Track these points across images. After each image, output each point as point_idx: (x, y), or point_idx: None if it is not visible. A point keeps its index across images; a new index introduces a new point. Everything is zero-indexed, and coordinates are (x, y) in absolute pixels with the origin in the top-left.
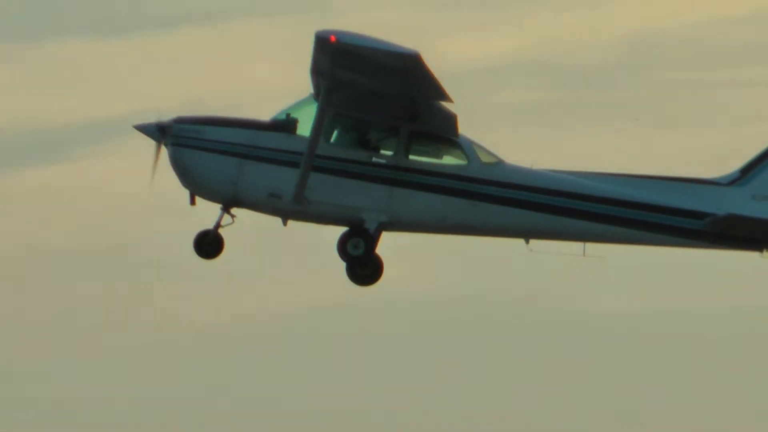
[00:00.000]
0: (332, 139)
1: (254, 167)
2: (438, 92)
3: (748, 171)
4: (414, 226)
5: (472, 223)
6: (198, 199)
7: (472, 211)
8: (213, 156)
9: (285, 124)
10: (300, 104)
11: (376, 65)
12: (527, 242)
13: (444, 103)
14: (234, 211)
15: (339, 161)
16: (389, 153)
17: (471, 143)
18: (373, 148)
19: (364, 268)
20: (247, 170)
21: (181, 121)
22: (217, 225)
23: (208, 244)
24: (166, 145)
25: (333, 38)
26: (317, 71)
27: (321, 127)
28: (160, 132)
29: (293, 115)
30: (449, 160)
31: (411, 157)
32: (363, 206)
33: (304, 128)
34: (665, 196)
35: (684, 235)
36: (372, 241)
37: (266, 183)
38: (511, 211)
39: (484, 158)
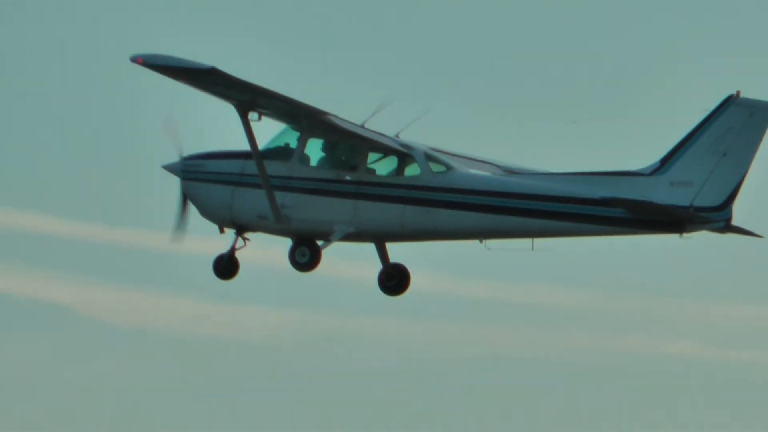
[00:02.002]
0: (306, 162)
1: (244, 193)
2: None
3: (667, 160)
4: (377, 235)
5: (427, 228)
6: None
7: (426, 217)
8: (211, 186)
9: (273, 152)
10: (282, 133)
11: (202, 82)
12: (481, 241)
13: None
14: (249, 234)
15: (311, 181)
16: (354, 170)
17: (424, 154)
18: (340, 165)
19: (390, 279)
20: (238, 196)
21: (187, 158)
22: (232, 248)
23: (224, 266)
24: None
25: (140, 60)
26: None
27: (257, 150)
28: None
29: (276, 143)
30: (405, 171)
31: (371, 172)
32: (334, 220)
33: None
34: (595, 190)
35: (612, 224)
36: (316, 249)
37: (255, 206)
38: (461, 214)
39: (435, 168)
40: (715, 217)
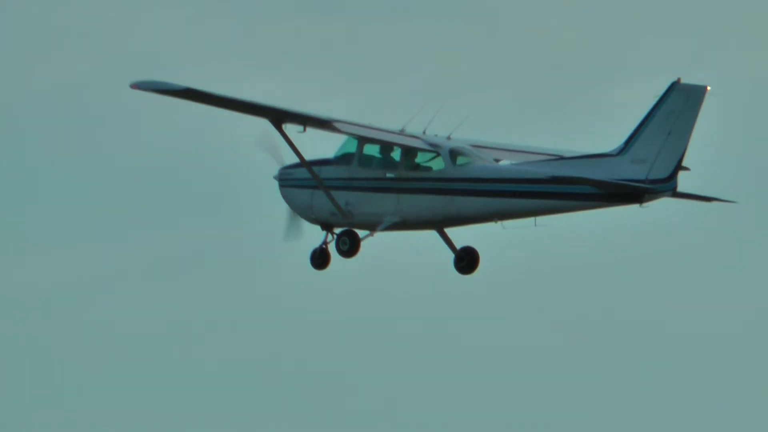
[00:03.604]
0: (363, 164)
1: (319, 194)
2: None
3: (629, 141)
4: (417, 222)
5: (452, 214)
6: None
7: (451, 204)
8: (296, 190)
9: (340, 159)
10: (346, 142)
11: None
12: (496, 222)
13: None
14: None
15: (365, 180)
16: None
17: (449, 150)
18: (387, 166)
19: (461, 260)
20: (315, 197)
21: (281, 168)
22: (323, 242)
23: (317, 259)
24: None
25: (134, 86)
26: None
27: (301, 156)
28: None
29: (342, 150)
30: (434, 166)
31: (413, 169)
32: (383, 212)
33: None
34: (579, 171)
35: (588, 199)
36: (356, 239)
37: (327, 205)
38: (476, 200)
39: (459, 161)
40: (665, 187)
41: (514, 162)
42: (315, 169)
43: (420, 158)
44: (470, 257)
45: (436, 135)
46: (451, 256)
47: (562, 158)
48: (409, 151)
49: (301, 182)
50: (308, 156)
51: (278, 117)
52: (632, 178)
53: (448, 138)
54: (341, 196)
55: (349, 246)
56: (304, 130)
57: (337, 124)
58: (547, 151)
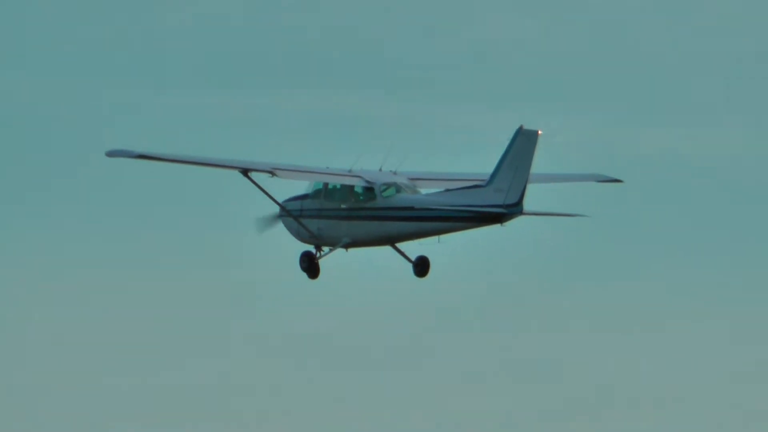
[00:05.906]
0: (328, 199)
1: (302, 222)
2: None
3: (494, 175)
4: (361, 242)
5: (383, 234)
6: None
7: (381, 227)
8: (288, 219)
9: (313, 194)
10: (316, 183)
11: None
12: (414, 240)
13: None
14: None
15: (329, 210)
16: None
17: (381, 184)
18: (342, 199)
19: (415, 267)
20: (300, 225)
21: (281, 203)
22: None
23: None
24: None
25: (107, 154)
26: None
27: (270, 197)
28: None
29: (314, 188)
30: (368, 198)
31: (354, 201)
32: (341, 234)
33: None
34: (466, 199)
35: (468, 221)
36: (315, 260)
37: (305, 229)
38: (398, 224)
39: (386, 193)
40: (516, 210)
41: (431, 192)
42: (298, 202)
43: (365, 192)
44: (422, 264)
45: (391, 171)
46: (409, 264)
47: (470, 188)
48: (353, 187)
49: (290, 212)
50: (294, 192)
51: (244, 170)
52: (495, 203)
53: (394, 173)
54: (314, 223)
55: (308, 264)
56: (272, 175)
57: (277, 172)
58: (473, 176)
